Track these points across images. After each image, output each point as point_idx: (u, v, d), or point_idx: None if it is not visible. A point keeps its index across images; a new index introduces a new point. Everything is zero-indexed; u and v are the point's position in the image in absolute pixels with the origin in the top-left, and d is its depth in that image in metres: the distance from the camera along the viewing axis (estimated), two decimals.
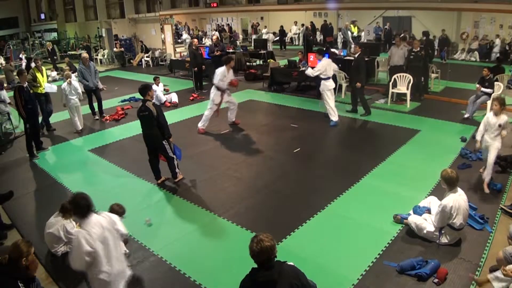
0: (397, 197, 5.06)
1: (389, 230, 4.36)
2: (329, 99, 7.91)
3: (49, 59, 17.90)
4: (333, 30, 19.07)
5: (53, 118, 8.92)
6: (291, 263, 2.74)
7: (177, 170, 5.71)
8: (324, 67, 7.82)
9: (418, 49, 9.30)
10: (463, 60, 14.84)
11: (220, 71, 7.63)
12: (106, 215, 3.05)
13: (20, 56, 18.12)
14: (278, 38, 20.72)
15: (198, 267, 3.95)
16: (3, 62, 17.10)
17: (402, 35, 13.37)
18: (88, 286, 3.18)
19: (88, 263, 2.78)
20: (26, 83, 7.03)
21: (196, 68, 11.51)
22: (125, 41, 18.43)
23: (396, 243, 4.14)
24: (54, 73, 15.49)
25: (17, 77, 8.15)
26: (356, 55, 8.42)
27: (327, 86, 7.87)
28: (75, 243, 2.81)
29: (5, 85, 9.70)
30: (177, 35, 19.63)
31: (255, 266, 2.60)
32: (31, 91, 7.17)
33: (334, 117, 7.91)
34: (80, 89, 8.45)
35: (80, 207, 2.87)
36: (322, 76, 7.84)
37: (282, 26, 20.54)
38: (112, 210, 3.86)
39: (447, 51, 13.53)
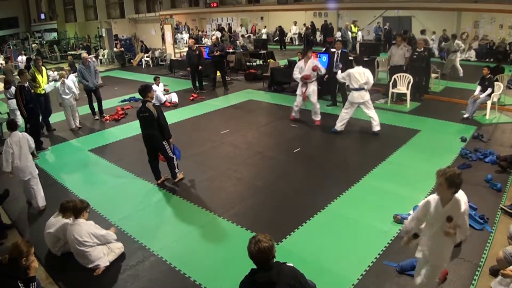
0: (397, 197, 5.06)
1: (389, 230, 4.36)
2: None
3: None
4: (333, 30, 19.09)
5: (53, 118, 8.92)
6: (291, 264, 2.74)
7: (176, 170, 5.71)
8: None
9: (422, 49, 9.28)
10: (463, 60, 14.84)
11: (297, 64, 8.01)
12: (24, 134, 5.17)
13: (21, 58, 18.15)
14: (277, 38, 20.77)
15: (198, 267, 3.95)
16: (3, 62, 17.12)
17: (407, 34, 13.43)
18: None
19: (10, 156, 4.93)
20: (27, 82, 7.05)
21: (189, 68, 11.52)
22: (125, 41, 18.43)
23: (396, 243, 4.13)
24: (54, 73, 15.48)
25: (17, 77, 8.18)
26: (339, 51, 8.83)
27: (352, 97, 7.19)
28: (5, 144, 5.00)
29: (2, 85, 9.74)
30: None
31: (255, 266, 2.60)
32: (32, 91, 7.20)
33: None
34: (74, 88, 8.51)
35: (12, 125, 5.17)
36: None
37: (280, 26, 20.59)
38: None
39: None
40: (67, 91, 8.30)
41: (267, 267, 2.52)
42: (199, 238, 4.49)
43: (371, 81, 7.06)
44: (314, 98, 7.92)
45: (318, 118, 8.05)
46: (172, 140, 5.55)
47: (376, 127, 7.26)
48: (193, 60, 11.40)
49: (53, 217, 4.23)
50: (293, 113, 8.36)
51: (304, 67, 7.83)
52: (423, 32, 13.47)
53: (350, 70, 7.13)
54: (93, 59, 14.74)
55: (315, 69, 7.73)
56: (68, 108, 8.50)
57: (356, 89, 7.04)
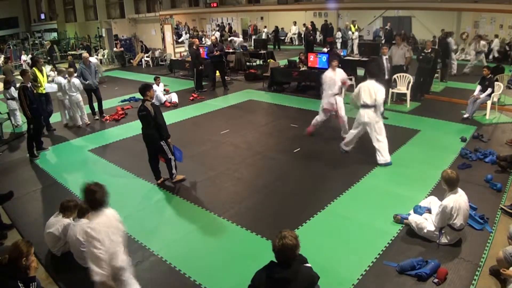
0: (397, 197, 5.06)
1: (389, 230, 4.36)
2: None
3: (47, 58, 17.95)
4: (333, 30, 19.11)
5: (53, 118, 8.93)
6: (309, 265, 2.75)
7: (173, 171, 5.69)
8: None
9: (430, 50, 9.30)
10: (463, 60, 14.84)
11: (325, 74, 6.97)
12: None
13: (23, 58, 18.13)
14: (272, 38, 20.86)
15: (198, 267, 3.95)
16: (3, 62, 17.12)
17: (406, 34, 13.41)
18: None
19: None
20: (30, 82, 7.07)
21: (201, 67, 11.48)
22: (125, 41, 18.43)
23: (396, 243, 4.14)
24: (54, 73, 15.49)
25: (17, 77, 8.18)
26: (386, 56, 8.12)
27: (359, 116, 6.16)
28: None
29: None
30: (177, 35, 19.61)
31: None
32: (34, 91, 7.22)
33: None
34: (81, 86, 8.62)
35: None
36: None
37: (276, 26, 20.67)
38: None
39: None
40: (73, 89, 8.42)
41: (287, 265, 2.52)
42: (199, 238, 4.49)
43: (380, 100, 5.89)
44: (342, 112, 7.02)
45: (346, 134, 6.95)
46: (170, 140, 5.55)
47: (380, 159, 6.02)
48: (200, 59, 11.47)
49: (53, 217, 4.23)
50: (311, 127, 7.35)
51: (334, 77, 6.84)
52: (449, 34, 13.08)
53: (360, 85, 6.14)
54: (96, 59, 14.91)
55: (344, 82, 6.95)
56: (75, 105, 8.62)
57: (362, 106, 6.02)
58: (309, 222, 4.60)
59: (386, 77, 7.95)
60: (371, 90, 5.90)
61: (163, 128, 5.41)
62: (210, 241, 4.43)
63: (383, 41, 17.03)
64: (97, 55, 18.78)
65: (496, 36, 13.59)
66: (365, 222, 4.56)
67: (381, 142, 5.99)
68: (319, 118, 7.22)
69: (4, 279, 2.87)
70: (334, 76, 6.88)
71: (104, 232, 2.79)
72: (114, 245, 2.85)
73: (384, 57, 7.88)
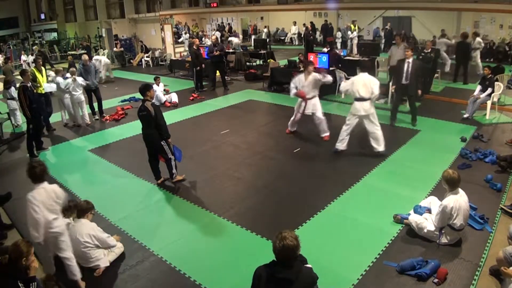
0: (397, 197, 5.06)
1: (389, 230, 4.36)
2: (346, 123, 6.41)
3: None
4: (333, 30, 19.12)
5: (53, 118, 8.93)
6: (309, 266, 2.75)
7: (174, 170, 5.69)
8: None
9: (429, 50, 9.32)
10: None
11: (296, 78, 7.03)
12: None
13: (23, 58, 18.11)
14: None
15: (198, 267, 3.95)
16: (3, 62, 17.14)
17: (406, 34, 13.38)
18: None
19: None
20: (30, 82, 7.07)
21: (198, 67, 11.47)
22: (125, 41, 18.43)
23: (396, 243, 4.14)
24: (53, 73, 15.48)
25: (17, 77, 8.19)
26: (410, 60, 7.51)
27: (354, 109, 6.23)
28: None
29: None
30: (177, 35, 19.61)
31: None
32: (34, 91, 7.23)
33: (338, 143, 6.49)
34: (85, 83, 8.70)
35: None
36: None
37: (267, 27, 20.75)
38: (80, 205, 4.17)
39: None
40: (76, 88, 8.46)
41: (288, 265, 2.52)
42: (199, 238, 4.49)
43: (377, 93, 6.08)
44: (318, 113, 7.02)
45: (326, 134, 7.15)
46: (170, 140, 5.55)
47: (379, 147, 6.27)
48: (201, 59, 11.46)
49: None
50: (289, 126, 7.55)
51: (304, 82, 6.90)
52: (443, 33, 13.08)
53: (353, 78, 6.25)
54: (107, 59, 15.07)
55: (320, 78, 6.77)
56: (77, 104, 8.65)
57: (358, 99, 6.10)
58: (309, 222, 4.60)
59: (404, 81, 7.50)
60: (367, 84, 6.01)
61: (163, 128, 5.42)
62: (210, 241, 4.43)
63: (383, 41, 17.07)
64: (98, 55, 18.80)
65: (477, 34, 13.13)
66: (365, 222, 4.56)
67: (378, 131, 6.22)
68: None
69: (4, 279, 2.87)
70: (304, 82, 6.91)
71: (41, 201, 3.48)
72: (51, 212, 3.56)
73: (407, 60, 7.46)
